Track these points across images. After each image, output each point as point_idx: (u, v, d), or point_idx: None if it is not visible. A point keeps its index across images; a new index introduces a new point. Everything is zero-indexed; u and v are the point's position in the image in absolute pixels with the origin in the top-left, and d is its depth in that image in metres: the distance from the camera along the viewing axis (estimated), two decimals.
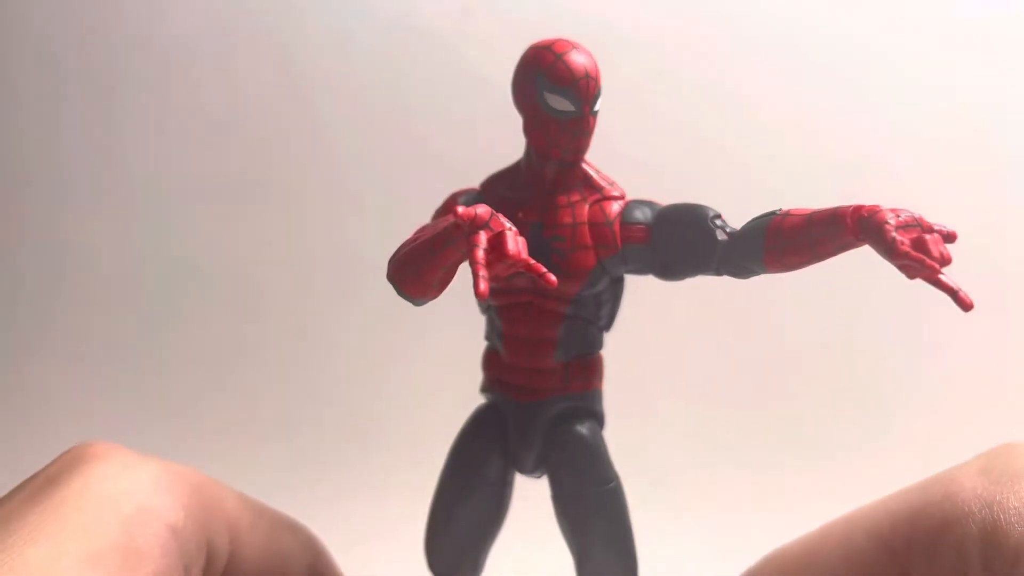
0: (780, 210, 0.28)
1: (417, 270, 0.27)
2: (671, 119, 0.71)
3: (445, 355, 0.68)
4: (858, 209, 0.25)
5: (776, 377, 0.68)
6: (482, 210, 0.25)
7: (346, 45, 0.73)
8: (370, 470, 0.65)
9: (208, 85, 0.75)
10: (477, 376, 0.34)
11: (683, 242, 0.30)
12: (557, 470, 0.32)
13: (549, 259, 0.31)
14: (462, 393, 0.35)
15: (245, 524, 0.29)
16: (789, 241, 0.27)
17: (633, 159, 0.69)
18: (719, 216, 0.30)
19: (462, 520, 0.33)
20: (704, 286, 0.31)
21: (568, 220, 0.31)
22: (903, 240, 0.24)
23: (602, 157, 0.33)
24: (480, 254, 0.25)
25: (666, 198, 0.31)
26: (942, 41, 0.70)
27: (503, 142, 0.32)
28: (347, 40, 0.73)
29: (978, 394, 0.67)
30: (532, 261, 0.25)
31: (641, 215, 0.31)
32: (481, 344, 0.35)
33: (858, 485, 0.35)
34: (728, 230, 0.29)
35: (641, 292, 0.34)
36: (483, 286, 0.24)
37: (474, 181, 0.33)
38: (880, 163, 0.70)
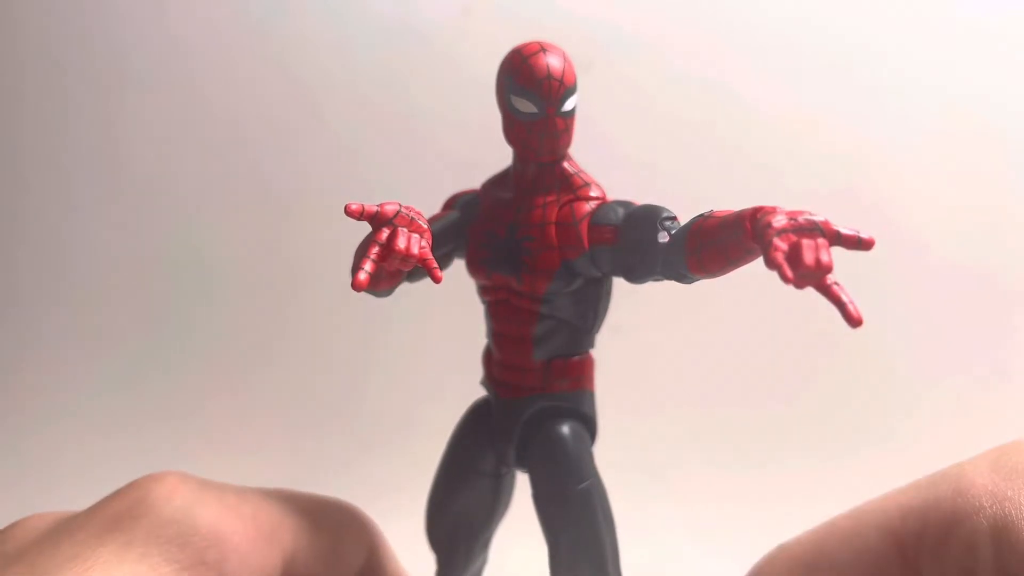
0: (708, 212, 0.27)
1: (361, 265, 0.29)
2: (669, 118, 0.71)
3: (452, 352, 0.68)
4: (756, 211, 0.24)
5: (778, 375, 0.68)
6: (389, 207, 0.27)
7: (346, 45, 0.74)
8: (377, 465, 0.65)
9: (209, 86, 0.75)
10: (481, 373, 0.35)
11: (639, 244, 0.30)
12: (534, 468, 0.33)
13: (520, 259, 0.31)
14: (470, 389, 0.35)
15: (301, 544, 0.29)
16: (704, 245, 0.26)
17: (631, 159, 0.70)
18: (672, 218, 0.29)
19: (455, 509, 0.34)
20: (706, 284, 0.31)
21: (538, 220, 0.31)
22: (778, 246, 0.22)
23: (601, 156, 0.33)
24: (374, 249, 0.26)
25: (665, 199, 0.31)
26: (942, 39, 0.70)
27: (504, 143, 0.32)
28: (347, 40, 0.73)
29: (981, 393, 0.67)
30: (426, 256, 0.27)
31: (613, 216, 0.31)
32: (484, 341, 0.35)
33: (860, 483, 0.35)
34: (673, 231, 0.29)
35: (643, 291, 0.34)
36: (361, 277, 0.26)
37: (475, 181, 0.34)
38: (880, 161, 0.70)
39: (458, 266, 0.34)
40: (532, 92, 0.30)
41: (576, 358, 0.33)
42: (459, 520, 0.34)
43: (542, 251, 0.31)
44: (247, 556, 0.27)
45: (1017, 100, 0.71)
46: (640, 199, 0.31)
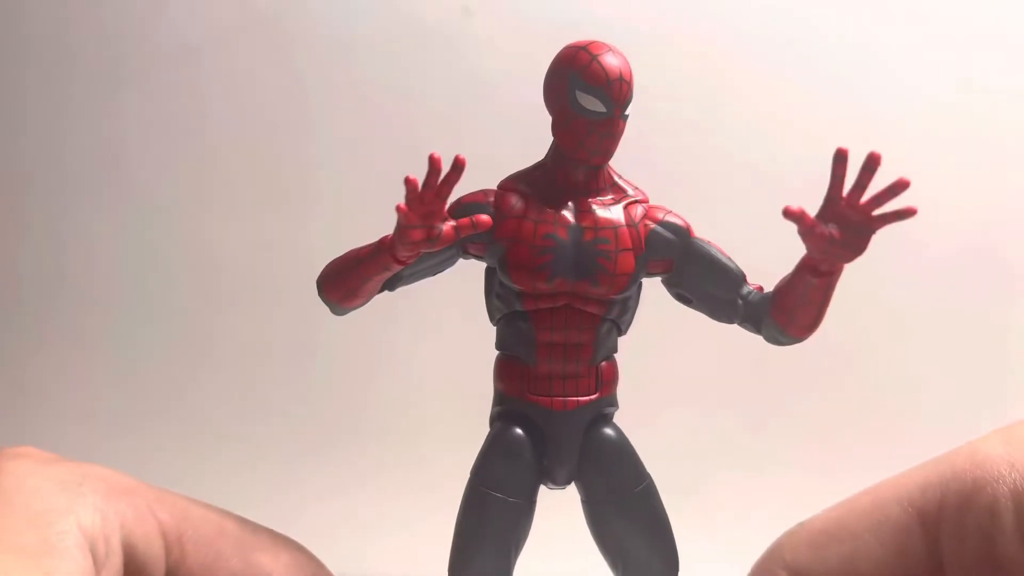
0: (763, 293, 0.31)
1: (342, 278, 0.31)
2: (669, 117, 0.71)
3: (443, 357, 0.68)
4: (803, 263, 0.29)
5: (785, 378, 0.68)
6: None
7: (347, 46, 0.74)
8: (364, 469, 0.66)
9: (209, 86, 0.75)
10: (475, 378, 0.34)
11: (706, 295, 0.32)
12: (590, 476, 0.32)
13: (595, 261, 0.31)
14: (460, 394, 0.34)
15: (189, 535, 0.28)
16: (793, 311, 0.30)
17: (630, 158, 0.69)
18: (744, 280, 0.32)
19: (495, 544, 0.32)
20: None
21: (610, 223, 0.32)
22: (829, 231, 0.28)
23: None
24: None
25: (666, 198, 0.32)
26: (943, 37, 0.70)
27: (504, 143, 0.32)
28: (348, 41, 0.74)
29: (986, 394, 0.67)
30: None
31: (666, 249, 0.32)
32: (478, 347, 0.34)
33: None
34: (748, 297, 0.31)
35: (647, 292, 0.34)
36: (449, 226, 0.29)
37: (474, 182, 0.33)
38: (882, 160, 0.70)
39: (452, 279, 0.34)
40: (603, 91, 0.30)
41: (612, 361, 0.33)
42: (498, 556, 0.32)
43: (620, 253, 0.31)
44: (106, 513, 0.26)
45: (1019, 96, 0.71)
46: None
